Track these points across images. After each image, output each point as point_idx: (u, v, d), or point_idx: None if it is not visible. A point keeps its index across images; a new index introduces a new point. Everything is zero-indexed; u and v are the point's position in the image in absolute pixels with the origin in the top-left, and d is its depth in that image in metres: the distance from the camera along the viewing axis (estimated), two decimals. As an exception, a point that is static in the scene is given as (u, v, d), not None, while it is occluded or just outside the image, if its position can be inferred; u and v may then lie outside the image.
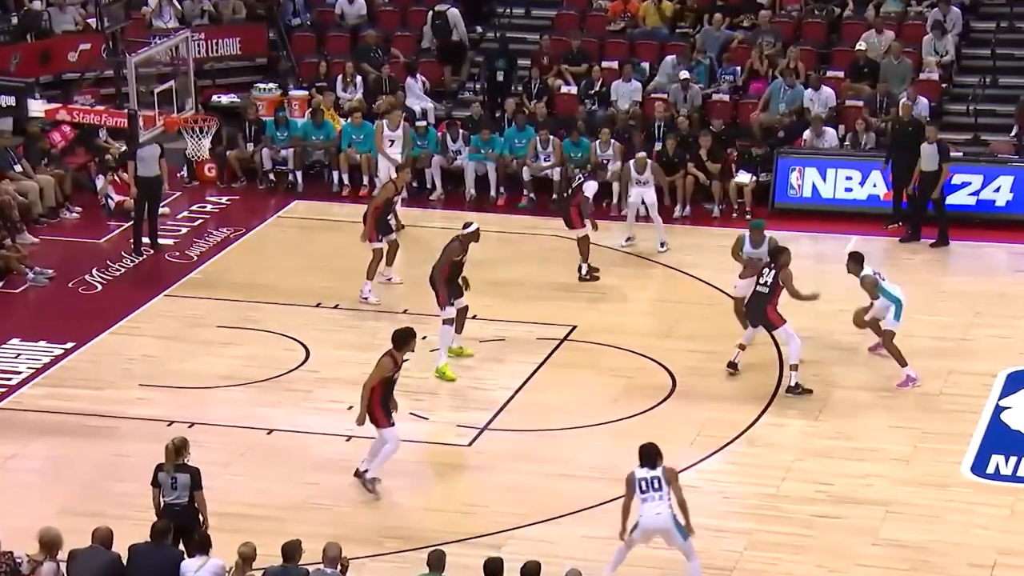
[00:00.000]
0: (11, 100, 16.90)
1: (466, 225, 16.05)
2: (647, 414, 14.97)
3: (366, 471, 13.50)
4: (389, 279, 17.76)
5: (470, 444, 14.40)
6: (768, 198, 20.53)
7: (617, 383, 15.60)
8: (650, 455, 12.02)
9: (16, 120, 20.24)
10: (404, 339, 13.64)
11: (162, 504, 11.77)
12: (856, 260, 15.68)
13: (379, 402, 13.33)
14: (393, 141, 20.23)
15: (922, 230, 19.26)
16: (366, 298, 17.34)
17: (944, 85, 21.81)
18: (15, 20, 23.30)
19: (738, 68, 22.27)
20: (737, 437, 14.54)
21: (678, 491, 11.94)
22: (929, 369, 15.76)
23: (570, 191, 18.32)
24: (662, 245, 19.06)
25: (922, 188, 19.13)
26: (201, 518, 11.74)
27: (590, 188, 18.18)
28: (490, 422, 14.75)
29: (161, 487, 11.77)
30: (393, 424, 13.34)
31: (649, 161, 19.39)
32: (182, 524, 11.50)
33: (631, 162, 19.42)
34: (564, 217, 18.20)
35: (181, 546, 11.38)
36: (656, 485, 11.87)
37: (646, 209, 19.20)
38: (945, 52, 21.92)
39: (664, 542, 11.99)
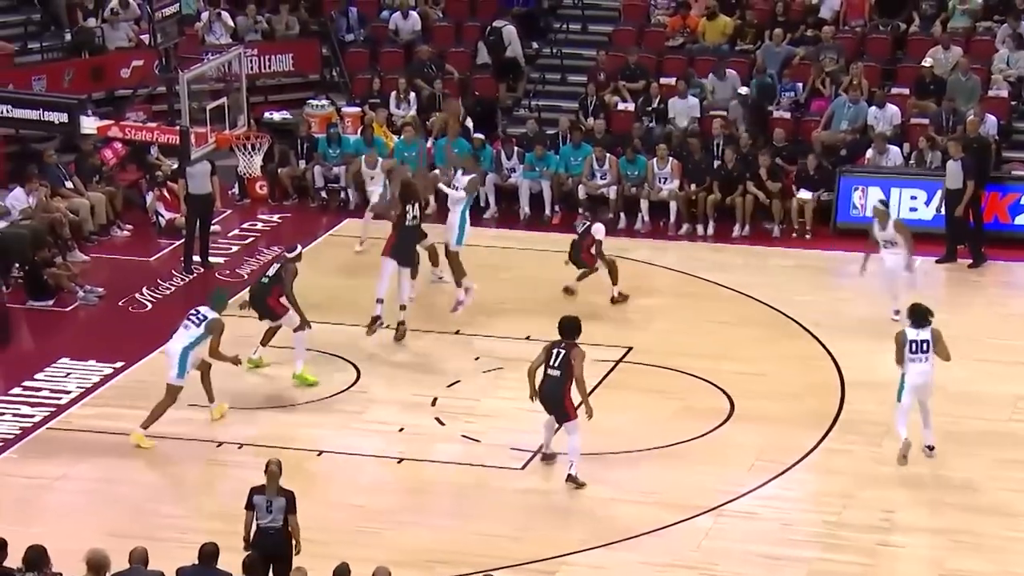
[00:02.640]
0: (63, 117, 17.07)
1: (291, 248, 16.39)
2: (704, 438, 14.89)
3: (575, 475, 13.87)
4: (440, 278, 18.17)
5: (523, 467, 14.37)
6: (830, 217, 20.41)
7: (673, 406, 15.53)
8: (922, 315, 13.73)
9: (68, 137, 20.46)
10: (579, 327, 14.06)
11: (255, 527, 11.79)
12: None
13: (571, 395, 13.73)
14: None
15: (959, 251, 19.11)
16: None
17: (1013, 103, 21.60)
18: (69, 37, 23.61)
19: (799, 85, 22.17)
20: (797, 463, 14.42)
21: (944, 350, 13.71)
22: (997, 395, 15.58)
23: (579, 235, 18.03)
24: (896, 313, 16.54)
25: (947, 206, 19.00)
26: (294, 542, 11.76)
27: (599, 231, 17.87)
28: (543, 445, 14.69)
29: (256, 509, 11.80)
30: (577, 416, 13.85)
31: (893, 218, 17.18)
32: (275, 547, 11.58)
33: (875, 222, 17.04)
34: (575, 261, 17.97)
35: (271, 572, 11.39)
36: (924, 348, 13.70)
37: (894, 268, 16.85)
38: (1018, 64, 21.68)
39: (920, 399, 13.81)
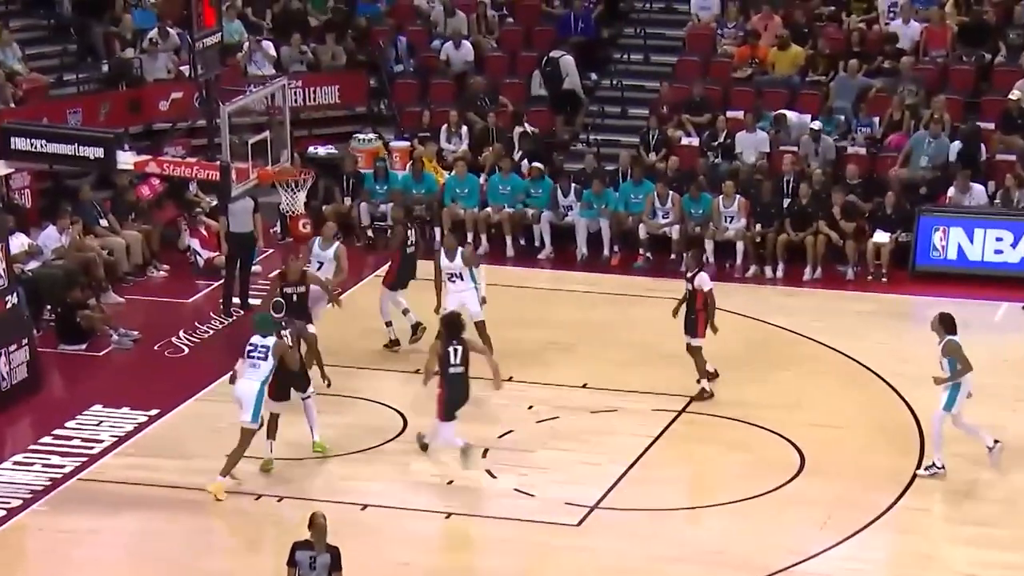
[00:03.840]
0: (99, 152, 17.30)
1: (278, 308, 15.53)
2: (772, 494, 14.84)
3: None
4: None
5: (579, 523, 14.38)
6: (909, 260, 20.35)
7: (739, 459, 15.50)
8: (954, 322, 14.66)
9: (104, 173, 20.72)
10: (463, 323, 15.40)
11: None
12: None
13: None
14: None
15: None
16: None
17: (1107, 137, 21.52)
18: (106, 68, 23.96)
19: (876, 119, 22.16)
20: (873, 521, 14.34)
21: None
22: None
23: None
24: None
25: None
26: None
27: (704, 281, 16.87)
28: (601, 500, 14.71)
29: (298, 566, 11.86)
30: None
31: None
32: None
33: None
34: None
35: None
36: None
37: None
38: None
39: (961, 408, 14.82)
